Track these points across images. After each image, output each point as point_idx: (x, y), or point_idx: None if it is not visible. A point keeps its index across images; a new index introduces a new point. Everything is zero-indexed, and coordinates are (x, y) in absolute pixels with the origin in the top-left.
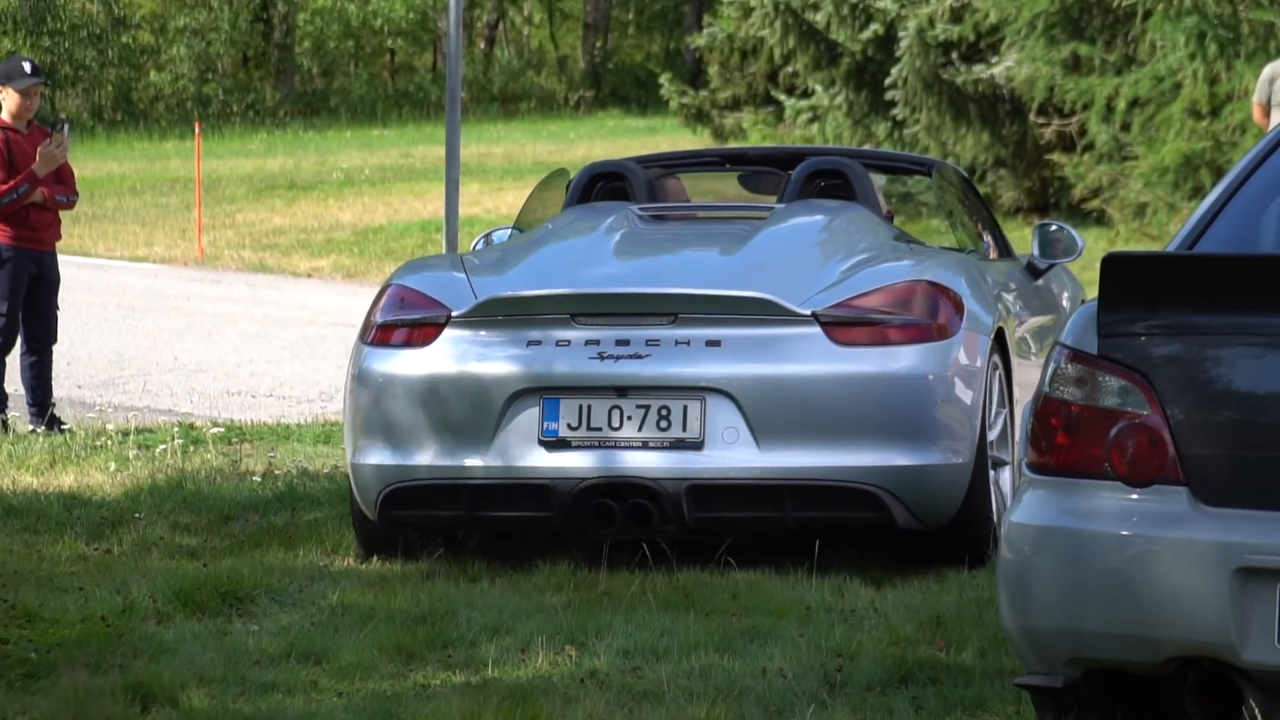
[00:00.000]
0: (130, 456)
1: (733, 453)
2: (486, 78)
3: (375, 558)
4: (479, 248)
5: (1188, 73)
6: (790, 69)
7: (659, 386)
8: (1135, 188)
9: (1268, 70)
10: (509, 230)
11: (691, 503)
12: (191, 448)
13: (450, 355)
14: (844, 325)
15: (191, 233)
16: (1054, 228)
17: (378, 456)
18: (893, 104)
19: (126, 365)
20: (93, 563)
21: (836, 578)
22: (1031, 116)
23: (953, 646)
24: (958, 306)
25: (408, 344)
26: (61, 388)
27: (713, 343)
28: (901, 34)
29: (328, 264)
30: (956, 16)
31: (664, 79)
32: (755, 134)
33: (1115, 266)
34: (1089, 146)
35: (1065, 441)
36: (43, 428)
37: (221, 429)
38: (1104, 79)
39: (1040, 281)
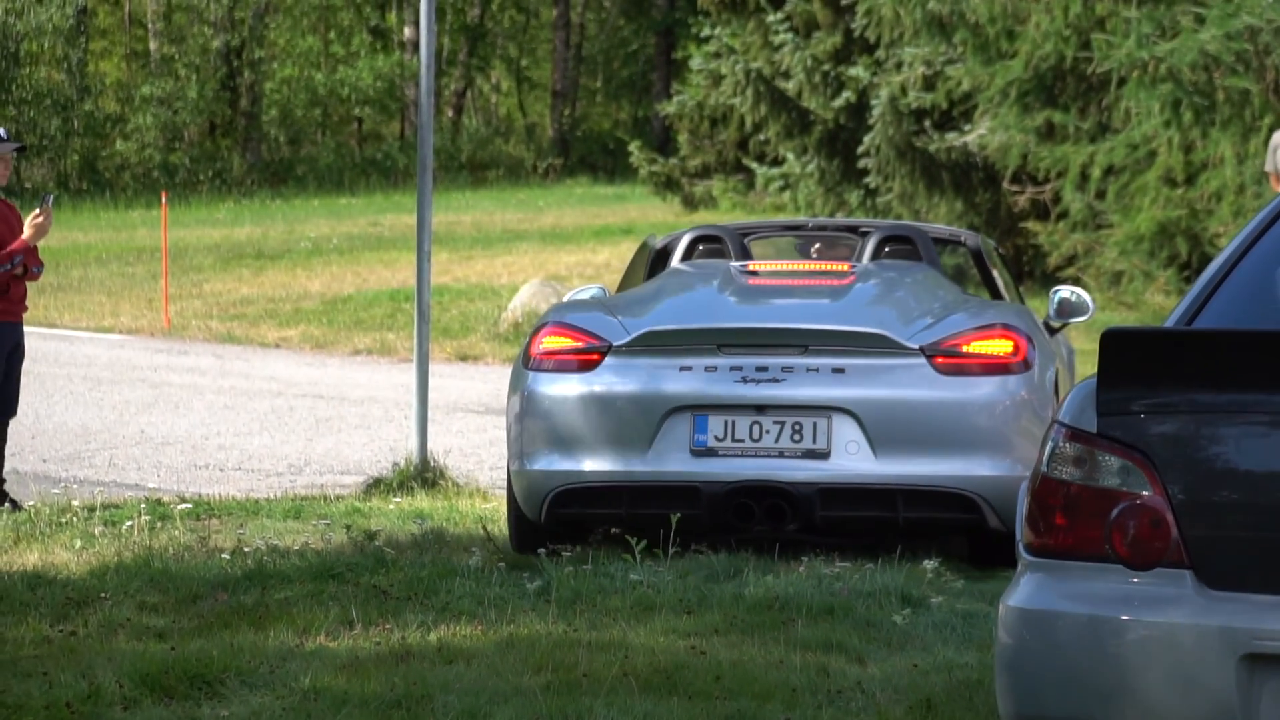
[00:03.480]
0: (96, 533)
1: (855, 461)
2: (454, 146)
3: (359, 630)
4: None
5: (1162, 140)
6: (761, 137)
7: (793, 406)
8: (1110, 256)
9: (1275, 138)
10: (594, 289)
11: (820, 503)
12: (159, 524)
13: (613, 378)
14: (943, 357)
15: (158, 303)
16: (1066, 291)
17: (546, 463)
18: (865, 172)
19: (92, 439)
20: (57, 645)
21: (819, 656)
22: (1005, 184)
23: None
24: (1029, 347)
25: (573, 369)
26: (26, 462)
27: (838, 370)
28: (874, 102)
29: (296, 334)
30: (929, 84)
31: (633, 147)
32: (725, 202)
33: (1114, 342)
34: (1063, 214)
35: (1064, 523)
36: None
37: (189, 504)
38: (1078, 147)
39: (1057, 339)
